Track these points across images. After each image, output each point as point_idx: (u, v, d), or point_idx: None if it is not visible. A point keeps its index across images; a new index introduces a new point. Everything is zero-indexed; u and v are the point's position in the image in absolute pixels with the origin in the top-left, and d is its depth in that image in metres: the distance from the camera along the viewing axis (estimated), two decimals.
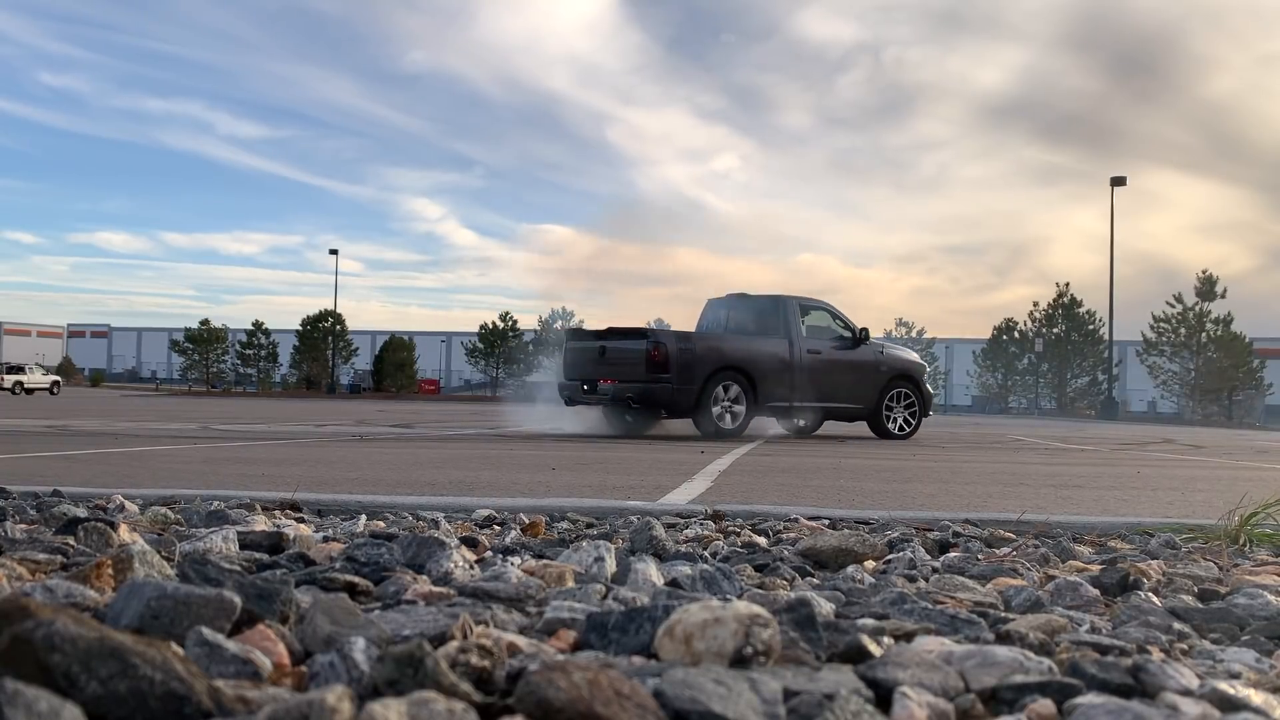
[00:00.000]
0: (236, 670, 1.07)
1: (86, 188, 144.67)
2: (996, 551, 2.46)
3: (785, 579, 1.94)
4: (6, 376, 43.44)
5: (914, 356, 13.45)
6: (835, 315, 12.72)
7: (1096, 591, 1.84)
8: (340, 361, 65.90)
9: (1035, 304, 57.28)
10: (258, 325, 68.32)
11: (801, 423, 12.36)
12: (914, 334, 62.35)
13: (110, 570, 1.53)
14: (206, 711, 0.94)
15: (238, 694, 0.98)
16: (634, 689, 0.98)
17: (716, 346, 11.50)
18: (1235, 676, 1.29)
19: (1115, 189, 40.76)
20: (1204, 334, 47.26)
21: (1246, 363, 46.90)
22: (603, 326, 12.33)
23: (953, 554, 2.39)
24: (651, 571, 1.81)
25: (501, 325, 63.71)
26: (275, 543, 2.13)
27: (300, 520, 2.75)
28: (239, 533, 2.17)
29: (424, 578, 1.71)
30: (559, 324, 60.92)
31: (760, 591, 1.73)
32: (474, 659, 1.09)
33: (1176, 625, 1.58)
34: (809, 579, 1.99)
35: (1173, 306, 48.24)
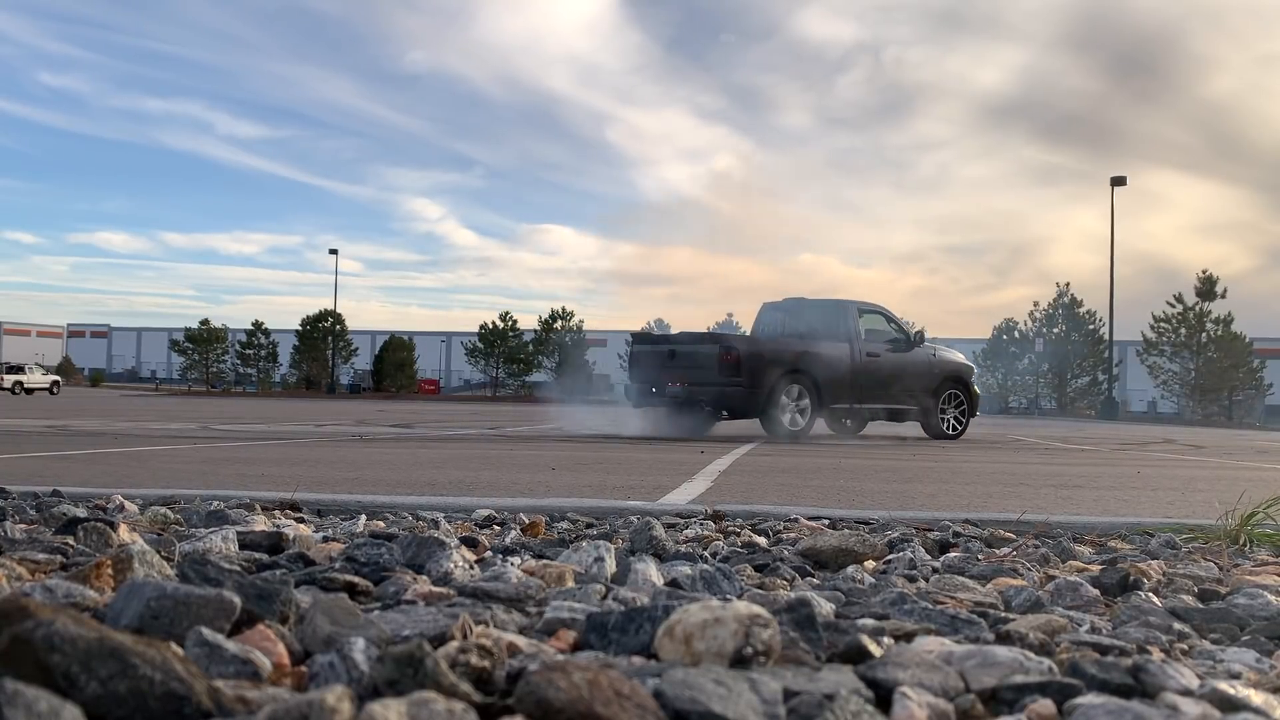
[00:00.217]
0: (236, 670, 1.07)
1: (86, 188, 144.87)
2: (996, 551, 2.46)
3: (785, 579, 1.94)
4: (6, 376, 43.43)
5: (963, 358, 13.79)
6: (890, 318, 13.17)
7: (1096, 591, 1.84)
8: (340, 361, 65.90)
9: (1035, 304, 57.33)
10: (258, 325, 68.32)
11: (849, 422, 12.65)
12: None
13: (110, 570, 1.53)
14: (206, 711, 0.94)
15: (237, 694, 0.98)
16: (634, 689, 0.98)
17: (785, 350, 11.86)
18: (1235, 676, 1.29)
19: (1115, 189, 40.76)
20: (1204, 334, 47.25)
21: (1246, 363, 46.89)
22: (675, 331, 12.87)
23: (953, 554, 2.39)
24: (651, 571, 1.81)
25: (501, 325, 63.69)
26: (275, 543, 2.13)
27: (300, 520, 2.75)
28: (239, 533, 2.17)
29: (424, 578, 1.71)
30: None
31: (760, 591, 1.73)
32: (474, 659, 1.09)
33: (1177, 625, 1.58)
34: (809, 579, 1.99)
35: (1173, 306, 48.24)
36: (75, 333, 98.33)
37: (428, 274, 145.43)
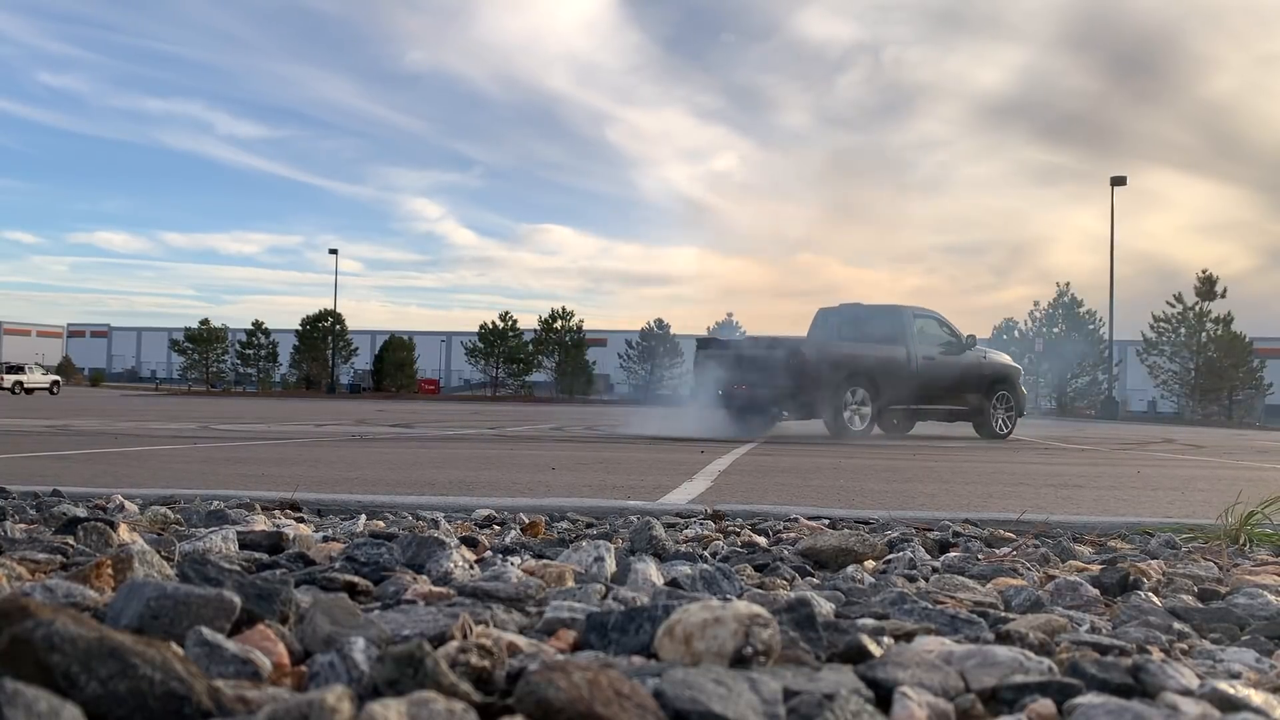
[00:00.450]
0: (236, 670, 1.07)
1: (86, 188, 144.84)
2: (996, 551, 2.46)
3: (785, 579, 1.94)
4: (6, 376, 43.43)
5: (1010, 360, 14.40)
6: (942, 322, 13.69)
7: (1096, 591, 1.84)
8: (340, 361, 65.91)
9: (1035, 304, 57.31)
10: (257, 325, 68.33)
11: (897, 422, 13.05)
12: None
13: (110, 570, 1.53)
14: (206, 711, 0.94)
15: (237, 694, 0.98)
16: (634, 689, 0.98)
17: (848, 353, 12.45)
18: (1235, 676, 1.29)
19: (1115, 189, 40.76)
20: (1204, 334, 47.24)
21: (1246, 363, 46.87)
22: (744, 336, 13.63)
23: (953, 554, 2.39)
24: (651, 571, 1.81)
25: (501, 325, 63.68)
26: (275, 543, 2.13)
27: (300, 520, 2.75)
28: (239, 533, 2.17)
29: (424, 578, 1.71)
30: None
31: (760, 591, 1.73)
32: (474, 659, 1.09)
33: (1176, 625, 1.58)
34: (809, 579, 1.99)
35: (1173, 306, 48.22)
36: (75, 333, 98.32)
37: (428, 274, 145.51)
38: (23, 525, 2.36)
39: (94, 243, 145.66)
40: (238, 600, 1.21)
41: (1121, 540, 2.77)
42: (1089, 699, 1.08)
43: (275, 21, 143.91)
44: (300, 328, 65.40)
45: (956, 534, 2.73)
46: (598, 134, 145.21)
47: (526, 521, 2.76)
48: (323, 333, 64.77)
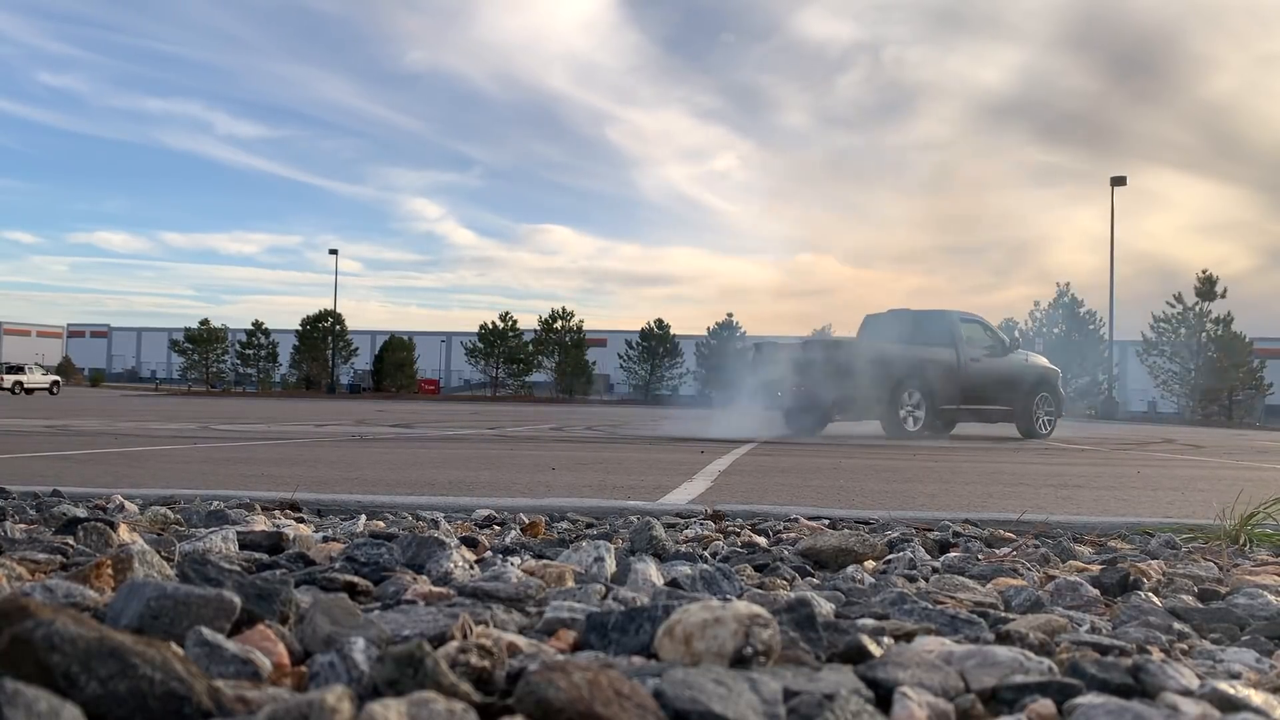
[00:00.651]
0: (236, 670, 1.07)
1: (86, 188, 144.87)
2: (996, 551, 2.46)
3: (785, 579, 1.94)
4: (6, 376, 43.43)
5: (1048, 363, 15.05)
6: (986, 327, 14.47)
7: (1096, 591, 1.84)
8: (340, 361, 65.92)
9: (1036, 303, 57.33)
10: (257, 325, 68.34)
11: (939, 423, 13.39)
12: None
13: (110, 570, 1.53)
14: (206, 711, 0.94)
15: (237, 694, 0.98)
16: (634, 689, 0.98)
17: (903, 356, 12.93)
18: (1235, 676, 1.29)
19: (1115, 189, 40.76)
20: (1204, 334, 47.23)
21: (1246, 363, 46.86)
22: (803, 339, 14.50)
23: (953, 554, 2.39)
24: (651, 571, 1.81)
25: (501, 325, 63.69)
26: (275, 543, 2.13)
27: (300, 520, 2.75)
28: (239, 533, 2.17)
29: (424, 578, 1.71)
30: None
31: (760, 591, 1.73)
32: (474, 659, 1.09)
33: (1176, 625, 1.58)
34: (809, 579, 1.99)
35: (1173, 306, 48.22)
36: (75, 333, 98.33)
37: (428, 274, 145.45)
38: (23, 525, 2.36)
39: (94, 243, 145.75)
40: (238, 600, 1.21)
41: (1121, 540, 2.77)
42: (1089, 699, 1.08)
43: (275, 21, 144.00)
44: (300, 328, 65.42)
45: (956, 534, 2.73)
46: (598, 134, 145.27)
47: (526, 522, 2.76)
48: (323, 333, 64.78)
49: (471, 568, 1.85)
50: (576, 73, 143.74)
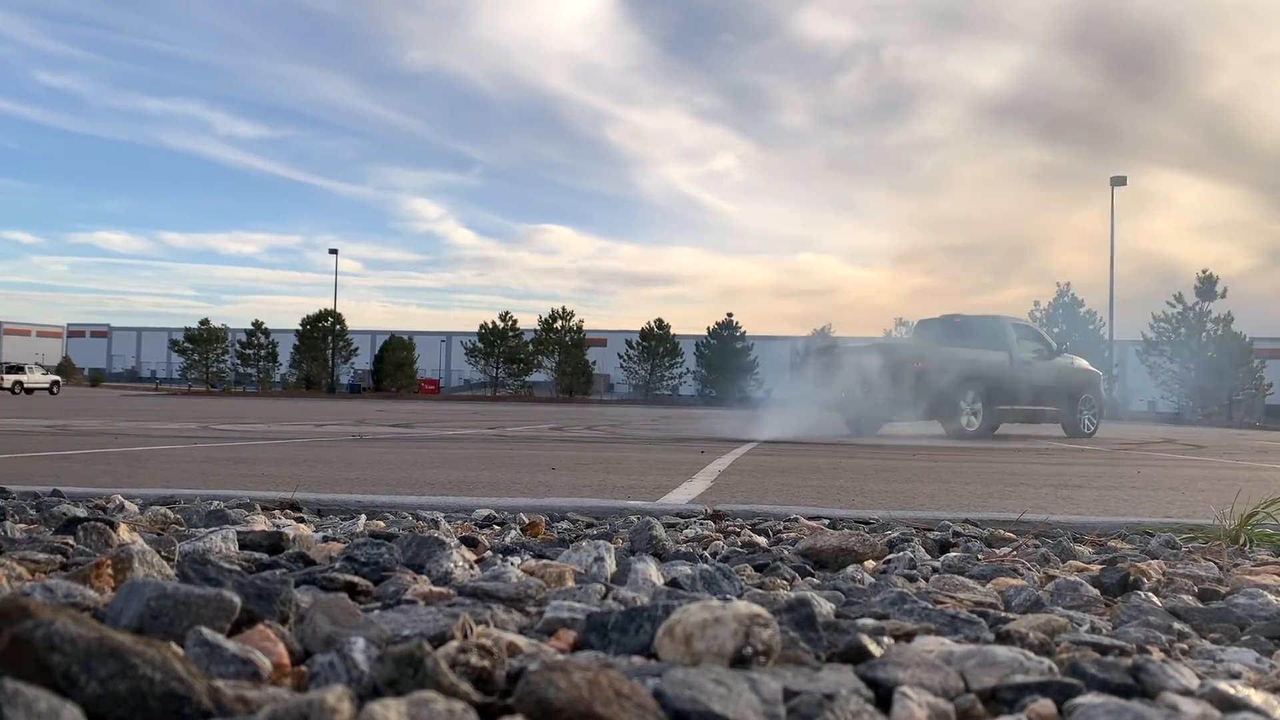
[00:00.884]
0: (236, 670, 1.07)
1: (85, 188, 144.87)
2: (996, 551, 2.46)
3: (785, 579, 1.94)
4: (6, 376, 43.43)
5: (1090, 365, 15.79)
6: (1035, 331, 15.34)
7: (1096, 591, 1.84)
8: (340, 361, 65.92)
9: (1036, 304, 57.36)
10: (257, 325, 68.36)
11: (978, 424, 13.87)
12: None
13: (110, 570, 1.53)
14: (206, 711, 0.94)
15: (237, 694, 0.98)
16: (634, 689, 0.98)
17: (963, 359, 13.61)
18: (1235, 676, 1.29)
19: (1115, 189, 40.76)
20: (1204, 334, 47.23)
21: (1246, 362, 46.87)
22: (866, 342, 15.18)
23: (953, 554, 2.39)
24: (651, 571, 1.81)
25: (501, 325, 63.70)
26: (275, 543, 2.13)
27: (300, 520, 2.75)
28: (239, 533, 2.17)
29: (424, 578, 1.71)
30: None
31: (760, 591, 1.73)
32: (474, 659, 1.09)
33: (1177, 625, 1.58)
34: (809, 579, 1.99)
35: (1173, 306, 48.23)
36: (75, 333, 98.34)
37: (428, 274, 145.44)
38: (23, 525, 2.36)
39: (94, 243, 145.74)
40: (238, 600, 1.21)
41: (1122, 540, 2.77)
42: (1089, 699, 1.08)
43: (274, 21, 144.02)
44: (300, 328, 65.44)
45: (956, 534, 2.73)
46: (598, 134, 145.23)
47: (526, 521, 2.76)
48: (323, 333, 64.79)
49: (471, 567, 1.85)
50: (576, 73, 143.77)
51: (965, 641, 1.36)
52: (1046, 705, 1.09)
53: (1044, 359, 14.67)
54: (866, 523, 3.06)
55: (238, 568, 1.62)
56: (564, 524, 2.91)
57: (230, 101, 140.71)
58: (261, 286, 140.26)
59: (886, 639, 1.35)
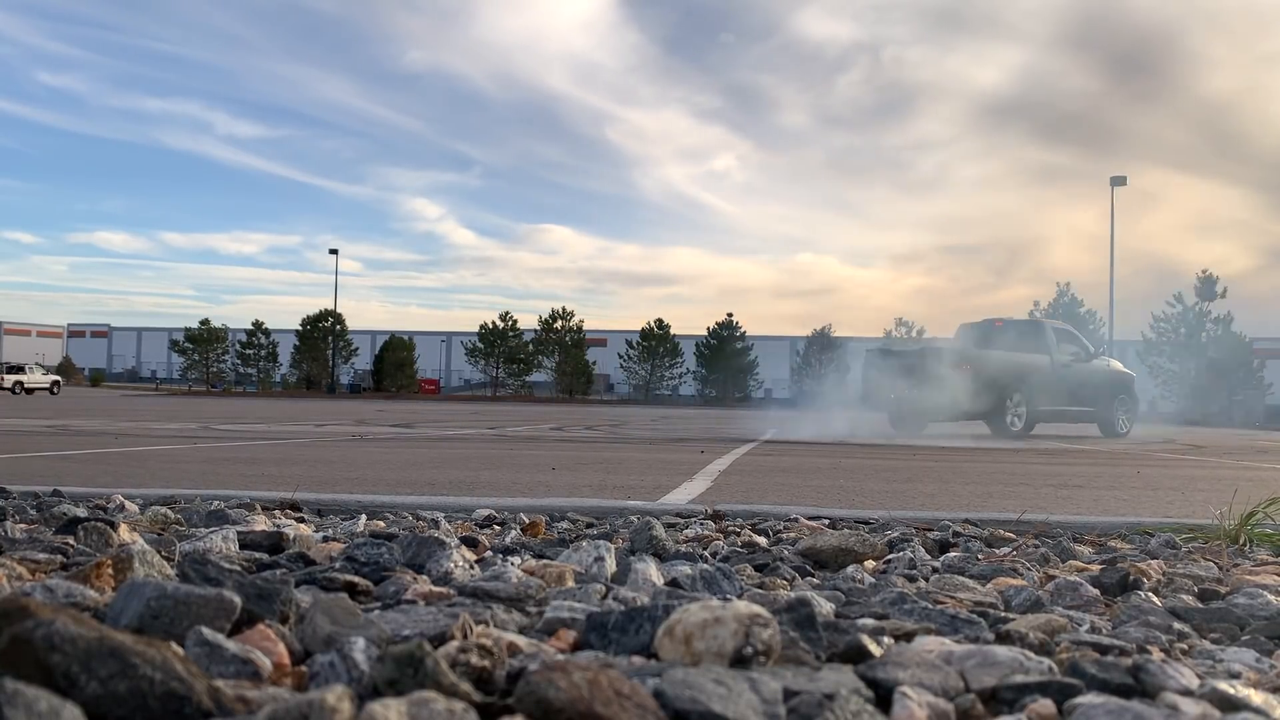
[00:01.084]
0: (236, 670, 1.07)
1: (85, 188, 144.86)
2: (996, 551, 2.46)
3: (785, 579, 1.94)
4: (6, 376, 43.43)
5: (1124, 368, 16.50)
6: (1074, 335, 15.93)
7: (1096, 591, 1.84)
8: (340, 361, 65.92)
9: (1036, 303, 57.32)
10: (258, 325, 68.36)
11: (1020, 425, 14.33)
12: (914, 334, 62.27)
13: (110, 570, 1.53)
14: (206, 711, 0.94)
15: (238, 694, 0.98)
16: (634, 689, 0.98)
17: (1009, 362, 14.19)
18: (1235, 676, 1.29)
19: (1115, 189, 40.77)
20: (1204, 334, 47.23)
21: (1246, 362, 46.87)
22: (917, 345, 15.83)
23: (953, 554, 2.39)
24: (651, 571, 1.81)
25: (501, 325, 63.70)
26: (275, 543, 2.13)
27: (300, 520, 2.75)
28: (239, 532, 2.17)
29: (424, 578, 1.71)
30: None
31: (760, 591, 1.73)
32: (474, 659, 1.09)
33: (1176, 625, 1.58)
34: (809, 579, 1.99)
35: (1173, 306, 48.23)
36: (75, 333, 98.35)
37: (427, 274, 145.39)
38: (23, 525, 2.36)
39: (94, 243, 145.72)
40: (238, 600, 1.21)
41: (1122, 540, 2.77)
42: (1089, 699, 1.08)
43: (274, 21, 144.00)
44: (300, 328, 65.45)
45: (956, 534, 2.73)
46: (598, 134, 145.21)
47: (527, 521, 2.76)
48: (323, 333, 64.80)
49: (472, 567, 1.85)
50: (576, 73, 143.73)
51: (965, 641, 1.36)
52: (1046, 705, 1.09)
53: (1081, 361, 15.18)
54: (866, 523, 3.07)
55: (238, 568, 1.62)
56: (564, 524, 2.91)
57: (230, 101, 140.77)
58: (261, 286, 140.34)
59: (886, 639, 1.35)
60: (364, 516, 2.78)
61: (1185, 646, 1.48)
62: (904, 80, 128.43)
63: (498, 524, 2.83)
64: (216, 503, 2.99)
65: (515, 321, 64.37)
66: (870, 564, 2.19)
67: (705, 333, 66.91)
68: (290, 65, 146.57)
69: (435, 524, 2.70)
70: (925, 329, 61.60)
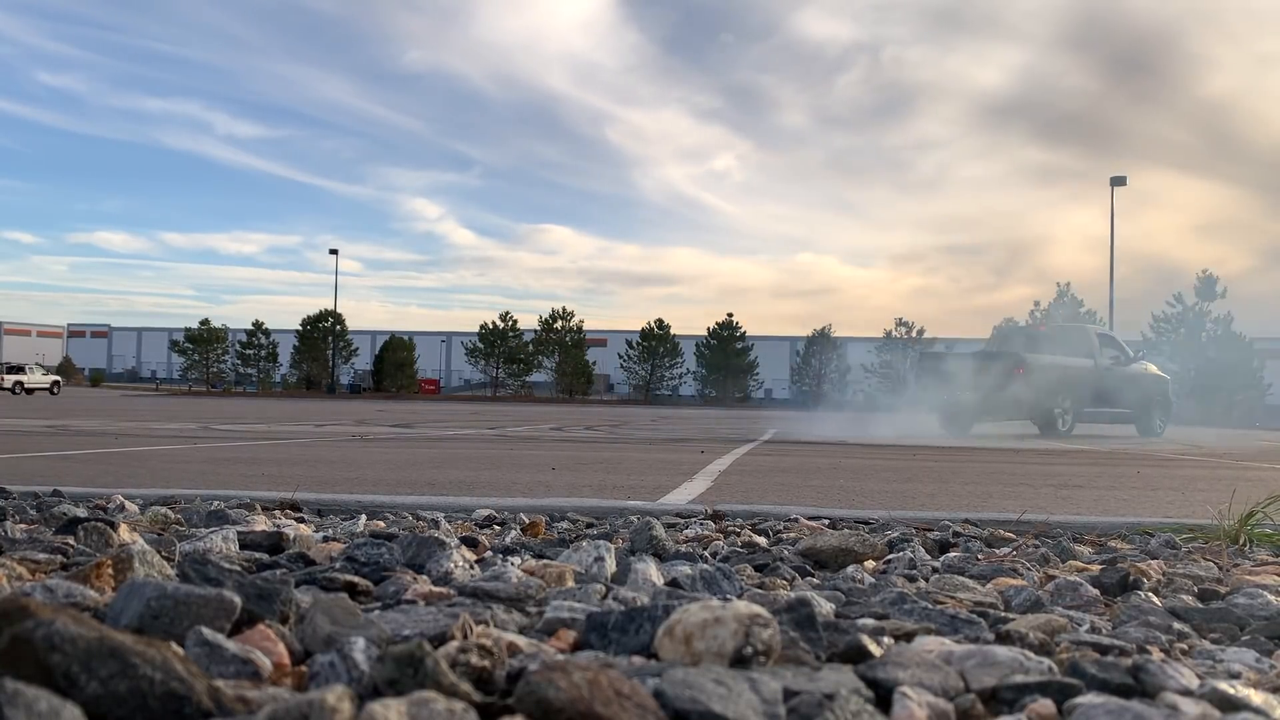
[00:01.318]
0: (236, 670, 1.07)
1: (85, 188, 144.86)
2: (996, 551, 2.46)
3: (785, 579, 1.94)
4: (7, 376, 43.43)
5: (1160, 371, 17.14)
6: (1114, 339, 16.81)
7: (1096, 591, 1.84)
8: (340, 361, 65.92)
9: (1036, 304, 57.31)
10: (258, 325, 68.36)
11: (1067, 425, 14.96)
12: (915, 333, 62.26)
13: (110, 570, 1.53)
14: (206, 711, 0.94)
15: (238, 694, 0.98)
16: (634, 689, 0.98)
17: (1058, 365, 14.81)
18: (1235, 676, 1.29)
19: (1115, 189, 40.74)
20: (1204, 334, 47.23)
21: (1246, 362, 46.86)
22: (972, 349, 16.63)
23: (953, 554, 2.39)
24: (651, 571, 1.81)
25: (502, 325, 63.70)
26: (275, 543, 2.13)
27: (300, 520, 2.75)
28: (239, 533, 2.17)
29: (424, 578, 1.71)
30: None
31: (760, 591, 1.73)
32: (474, 659, 1.09)
33: (1176, 625, 1.58)
34: (809, 579, 1.99)
35: (1173, 306, 48.23)
36: (75, 333, 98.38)
37: (427, 274, 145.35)
38: (23, 525, 2.37)
39: (93, 242, 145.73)
40: (238, 600, 1.21)
41: (1121, 540, 2.77)
42: (1089, 699, 1.08)
43: (273, 21, 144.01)
44: (300, 328, 65.45)
45: (956, 534, 2.73)
46: (597, 134, 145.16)
47: (527, 521, 2.76)
48: (323, 333, 64.80)
49: (472, 567, 1.85)
50: (575, 73, 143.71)
51: (965, 641, 1.36)
52: (1046, 705, 1.09)
53: (1122, 365, 15.87)
54: (866, 523, 3.07)
55: (238, 568, 1.62)
56: (564, 524, 2.91)
57: (230, 101, 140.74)
58: (261, 286, 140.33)
59: (886, 639, 1.35)
60: (364, 516, 2.78)
61: (1185, 646, 1.48)
62: (904, 80, 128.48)
63: (498, 524, 2.83)
64: (217, 503, 2.99)
65: (515, 322, 64.39)
66: (870, 564, 2.19)
67: (705, 333, 66.92)
68: (290, 65, 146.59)
69: (435, 524, 2.70)
70: (925, 329, 61.60)
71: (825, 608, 1.55)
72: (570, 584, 1.72)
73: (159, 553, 1.78)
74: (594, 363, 66.66)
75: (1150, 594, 1.84)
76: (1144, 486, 5.36)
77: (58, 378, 47.62)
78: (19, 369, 45.38)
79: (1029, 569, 2.10)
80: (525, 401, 49.56)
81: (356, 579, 1.61)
